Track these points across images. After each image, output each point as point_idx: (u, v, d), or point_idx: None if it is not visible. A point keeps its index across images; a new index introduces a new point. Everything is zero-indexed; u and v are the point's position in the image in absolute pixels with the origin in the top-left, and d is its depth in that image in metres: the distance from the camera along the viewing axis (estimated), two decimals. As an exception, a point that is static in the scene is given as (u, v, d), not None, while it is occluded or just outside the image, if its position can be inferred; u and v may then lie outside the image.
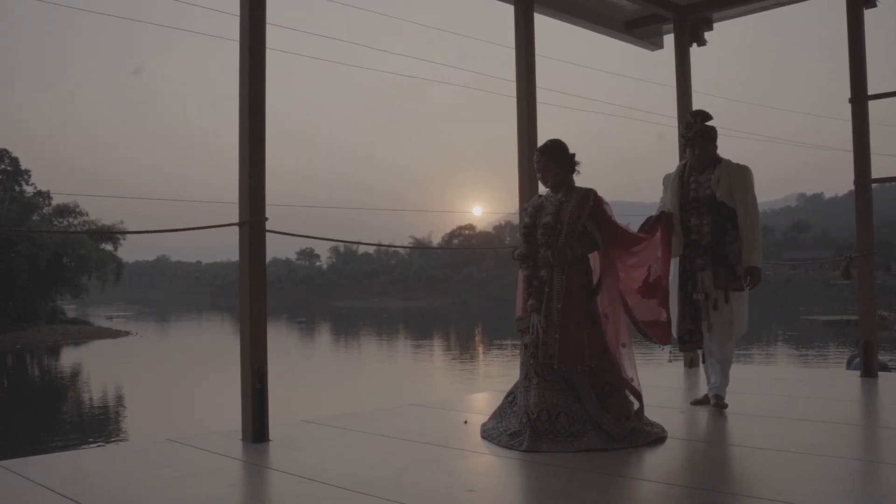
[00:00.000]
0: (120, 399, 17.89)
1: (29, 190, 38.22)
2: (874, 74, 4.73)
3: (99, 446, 10.60)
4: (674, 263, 3.58)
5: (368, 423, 3.50)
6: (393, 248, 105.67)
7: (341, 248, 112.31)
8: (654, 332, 3.29)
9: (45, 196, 38.49)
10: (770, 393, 4.26)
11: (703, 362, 3.69)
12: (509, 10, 4.56)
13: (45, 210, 37.90)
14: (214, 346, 32.73)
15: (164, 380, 20.42)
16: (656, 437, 2.91)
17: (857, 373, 4.73)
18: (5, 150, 37.86)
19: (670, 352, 3.64)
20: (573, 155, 3.15)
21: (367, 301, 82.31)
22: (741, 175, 3.52)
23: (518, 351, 3.24)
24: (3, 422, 15.05)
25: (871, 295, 4.65)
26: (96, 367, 24.69)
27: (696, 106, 5.23)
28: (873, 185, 4.73)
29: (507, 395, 3.21)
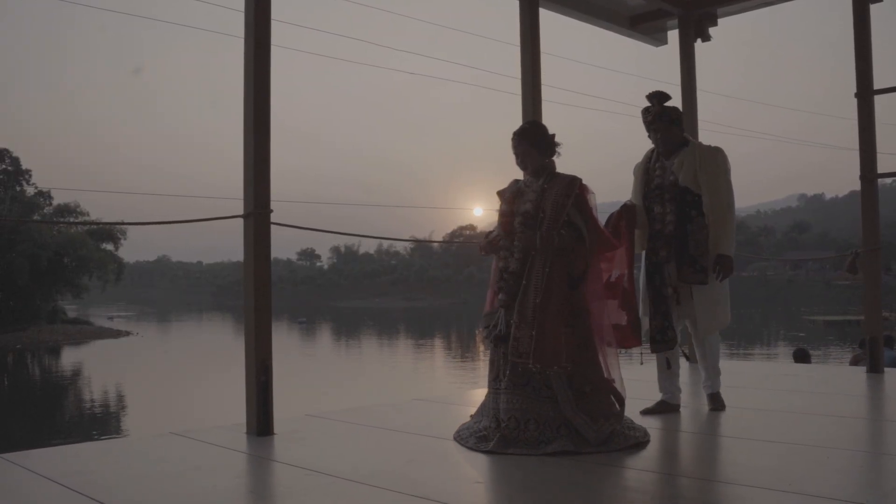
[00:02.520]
0: (121, 398, 17.90)
1: (30, 190, 38.29)
2: (878, 71, 4.73)
3: (102, 440, 10.59)
4: (641, 257, 3.37)
5: (373, 418, 3.49)
6: (394, 249, 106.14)
7: (342, 248, 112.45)
8: (613, 338, 3.02)
9: (45, 196, 38.54)
10: (776, 388, 4.26)
11: (668, 368, 3.34)
12: (514, 6, 4.53)
13: (46, 210, 37.95)
14: (215, 345, 32.76)
15: (165, 379, 20.42)
16: (636, 440, 2.71)
17: (864, 369, 4.73)
18: (6, 150, 37.95)
19: (641, 353, 3.35)
20: (553, 136, 2.92)
21: (368, 301, 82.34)
22: (710, 157, 3.24)
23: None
24: (4, 421, 15.06)
25: (878, 291, 4.64)
26: (97, 366, 24.69)
27: (700, 104, 5.23)
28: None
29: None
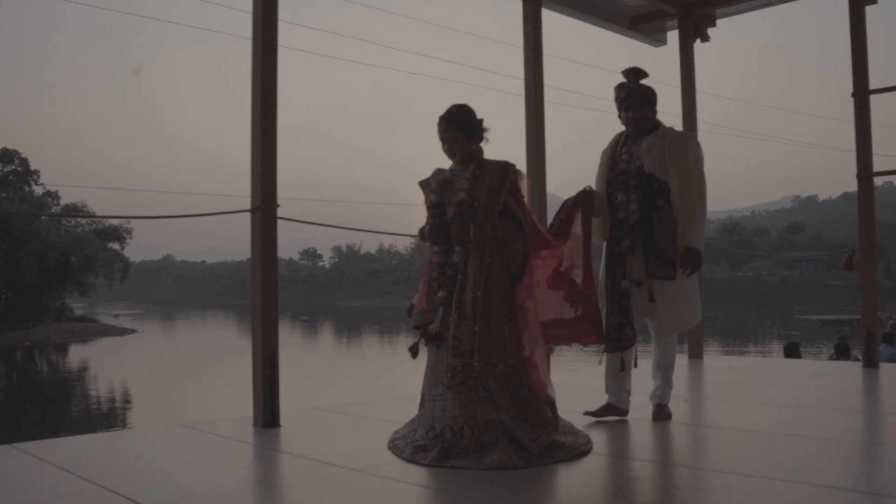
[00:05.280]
0: (126, 394, 18.04)
1: (38, 190, 38.55)
2: (873, 72, 4.77)
3: (112, 431, 10.68)
4: (603, 248, 3.11)
5: (379, 411, 3.51)
6: (394, 249, 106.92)
7: (343, 248, 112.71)
8: (554, 334, 2.81)
9: (53, 196, 38.79)
10: (774, 383, 4.30)
11: (622, 369, 3.04)
12: (516, 6, 4.54)
13: (54, 209, 38.17)
14: (219, 342, 32.94)
15: (169, 376, 20.56)
16: (578, 450, 2.52)
17: (859, 364, 4.79)
18: (15, 151, 38.22)
19: (601, 352, 3.02)
20: (481, 121, 2.70)
21: (369, 300, 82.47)
22: (680, 143, 2.98)
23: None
24: (13, 416, 15.21)
25: (873, 287, 4.70)
26: (103, 363, 24.87)
27: (699, 106, 5.27)
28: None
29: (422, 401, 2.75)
